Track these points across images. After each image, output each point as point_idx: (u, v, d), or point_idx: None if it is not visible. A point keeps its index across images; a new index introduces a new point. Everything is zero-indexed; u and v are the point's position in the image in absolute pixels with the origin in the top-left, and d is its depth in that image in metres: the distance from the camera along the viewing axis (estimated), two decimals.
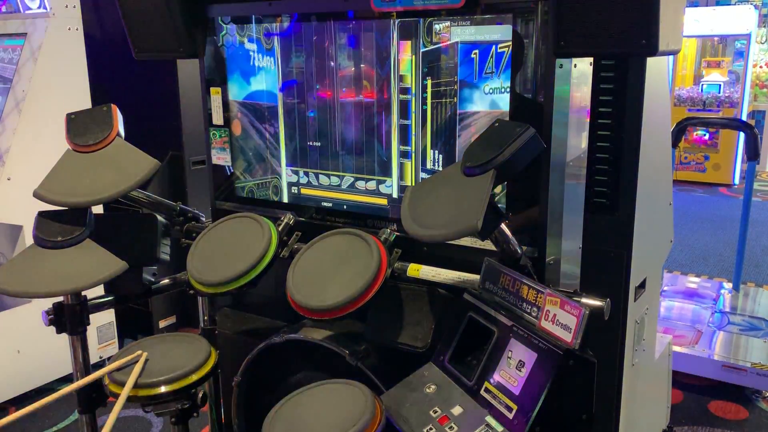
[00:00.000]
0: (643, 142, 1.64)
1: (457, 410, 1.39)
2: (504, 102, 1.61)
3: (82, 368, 1.88)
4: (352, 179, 1.92)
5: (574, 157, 1.57)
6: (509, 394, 1.33)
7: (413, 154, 1.79)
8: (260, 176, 2.10)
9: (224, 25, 2.03)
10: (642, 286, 1.87)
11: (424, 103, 1.74)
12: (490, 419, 1.33)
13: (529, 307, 1.38)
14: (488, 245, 1.58)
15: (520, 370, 1.33)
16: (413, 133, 1.78)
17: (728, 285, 4.33)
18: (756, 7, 8.34)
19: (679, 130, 3.89)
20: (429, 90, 1.72)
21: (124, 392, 1.63)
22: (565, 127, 1.52)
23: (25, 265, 1.73)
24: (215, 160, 2.17)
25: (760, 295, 4.26)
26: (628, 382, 1.82)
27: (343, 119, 1.90)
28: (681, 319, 3.81)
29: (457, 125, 1.70)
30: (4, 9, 3.36)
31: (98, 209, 2.53)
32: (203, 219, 2.14)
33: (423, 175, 1.79)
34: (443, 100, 1.71)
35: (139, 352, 1.78)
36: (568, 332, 1.28)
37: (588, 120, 1.59)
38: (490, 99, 1.63)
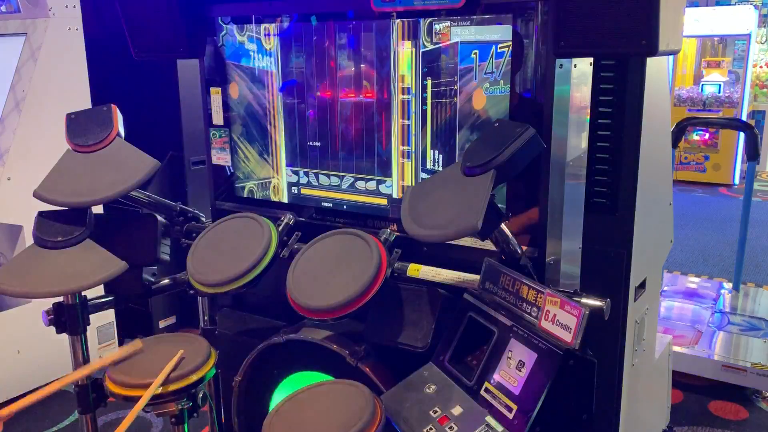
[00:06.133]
0: (643, 142, 1.63)
1: (457, 410, 1.39)
2: (504, 102, 1.61)
3: None
4: (352, 179, 1.92)
5: (574, 157, 1.57)
6: (509, 394, 1.33)
7: (413, 154, 1.79)
8: (258, 149, 2.10)
9: (224, 25, 2.03)
10: (642, 286, 1.87)
11: (424, 103, 1.74)
12: (490, 419, 1.33)
13: (529, 307, 1.38)
14: (488, 245, 1.58)
15: (520, 370, 1.33)
16: (413, 133, 1.78)
17: (728, 285, 4.33)
18: (756, 7, 8.34)
19: (679, 130, 3.89)
20: (429, 90, 1.72)
21: (152, 387, 1.63)
22: (565, 127, 1.52)
23: (25, 265, 1.73)
24: (215, 160, 2.17)
25: (760, 295, 4.25)
26: (628, 382, 1.82)
27: (343, 119, 1.90)
28: (681, 319, 3.80)
29: (457, 125, 1.70)
30: (4, 9, 3.35)
31: (98, 209, 2.53)
32: (203, 219, 2.14)
33: (423, 175, 1.79)
34: (443, 100, 1.71)
35: (141, 345, 1.77)
36: (568, 332, 1.28)
37: (588, 120, 1.59)
38: (489, 99, 1.63)
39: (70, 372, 1.75)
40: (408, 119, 1.78)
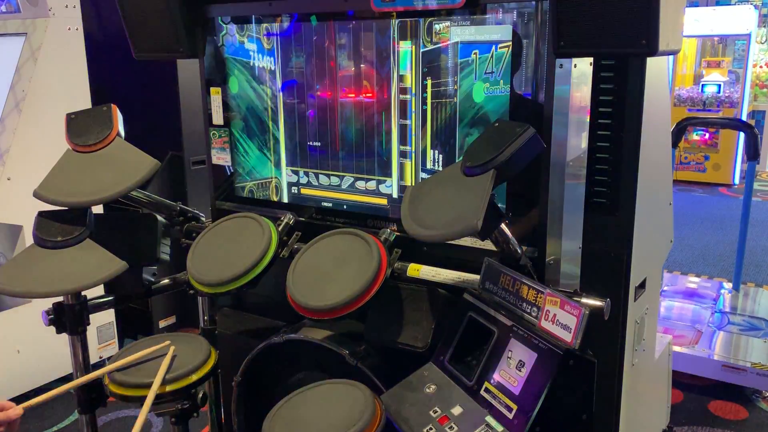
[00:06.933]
0: (643, 142, 1.63)
1: (457, 410, 1.39)
2: (504, 102, 1.61)
3: (82, 368, 1.88)
4: (352, 179, 1.92)
5: (574, 157, 1.57)
6: (509, 394, 1.33)
7: (413, 154, 1.79)
8: (258, 142, 2.10)
9: (224, 25, 2.03)
10: (642, 286, 1.87)
11: (424, 103, 1.74)
12: (490, 419, 1.33)
13: (529, 307, 1.38)
14: (488, 245, 1.58)
15: (520, 370, 1.33)
16: (413, 133, 1.78)
17: (728, 285, 4.33)
18: (756, 7, 8.34)
19: (679, 130, 3.89)
20: (429, 90, 1.72)
21: (154, 387, 1.63)
22: (565, 127, 1.52)
23: (25, 265, 1.73)
24: (215, 160, 2.17)
25: (760, 295, 4.26)
26: (628, 382, 1.82)
27: (343, 119, 1.90)
28: (681, 319, 3.81)
29: (457, 125, 1.70)
30: (4, 9, 3.36)
31: (98, 209, 2.53)
32: (203, 219, 2.14)
33: (423, 175, 1.79)
34: (443, 100, 1.71)
35: (168, 342, 1.78)
36: (568, 332, 1.28)
37: (588, 120, 1.59)
38: (489, 99, 1.63)
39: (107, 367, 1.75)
40: (408, 119, 1.78)
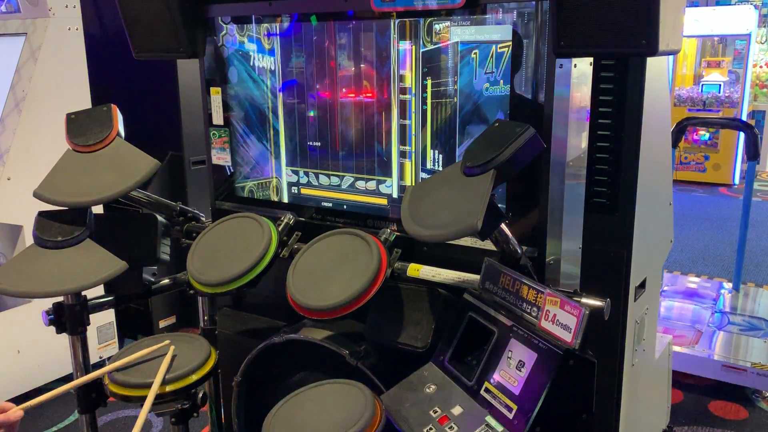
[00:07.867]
0: (643, 142, 1.64)
1: (457, 410, 1.39)
2: (504, 102, 1.61)
3: (82, 368, 1.88)
4: (352, 179, 1.92)
5: (574, 157, 1.57)
6: (509, 394, 1.33)
7: (413, 154, 1.79)
8: (257, 133, 2.10)
9: (224, 25, 2.03)
10: (642, 286, 1.87)
11: (424, 103, 1.74)
12: (490, 419, 1.33)
13: (529, 307, 1.38)
14: (488, 245, 1.58)
15: (520, 370, 1.33)
16: (413, 133, 1.78)
17: (728, 285, 4.33)
18: (756, 7, 8.34)
19: (679, 130, 3.90)
20: (429, 90, 1.72)
21: (154, 387, 1.63)
22: (565, 127, 1.52)
23: (25, 265, 1.73)
24: (215, 160, 2.17)
25: (760, 295, 4.26)
26: (628, 382, 1.82)
27: (343, 119, 1.90)
28: (681, 319, 3.81)
29: (457, 125, 1.70)
30: (4, 9, 3.35)
31: (98, 209, 2.53)
32: (203, 219, 2.14)
33: (423, 175, 1.79)
34: (443, 100, 1.71)
35: (167, 342, 1.78)
36: (568, 332, 1.28)
37: (588, 120, 1.59)
38: (489, 99, 1.63)
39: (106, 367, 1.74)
40: (408, 119, 1.78)
